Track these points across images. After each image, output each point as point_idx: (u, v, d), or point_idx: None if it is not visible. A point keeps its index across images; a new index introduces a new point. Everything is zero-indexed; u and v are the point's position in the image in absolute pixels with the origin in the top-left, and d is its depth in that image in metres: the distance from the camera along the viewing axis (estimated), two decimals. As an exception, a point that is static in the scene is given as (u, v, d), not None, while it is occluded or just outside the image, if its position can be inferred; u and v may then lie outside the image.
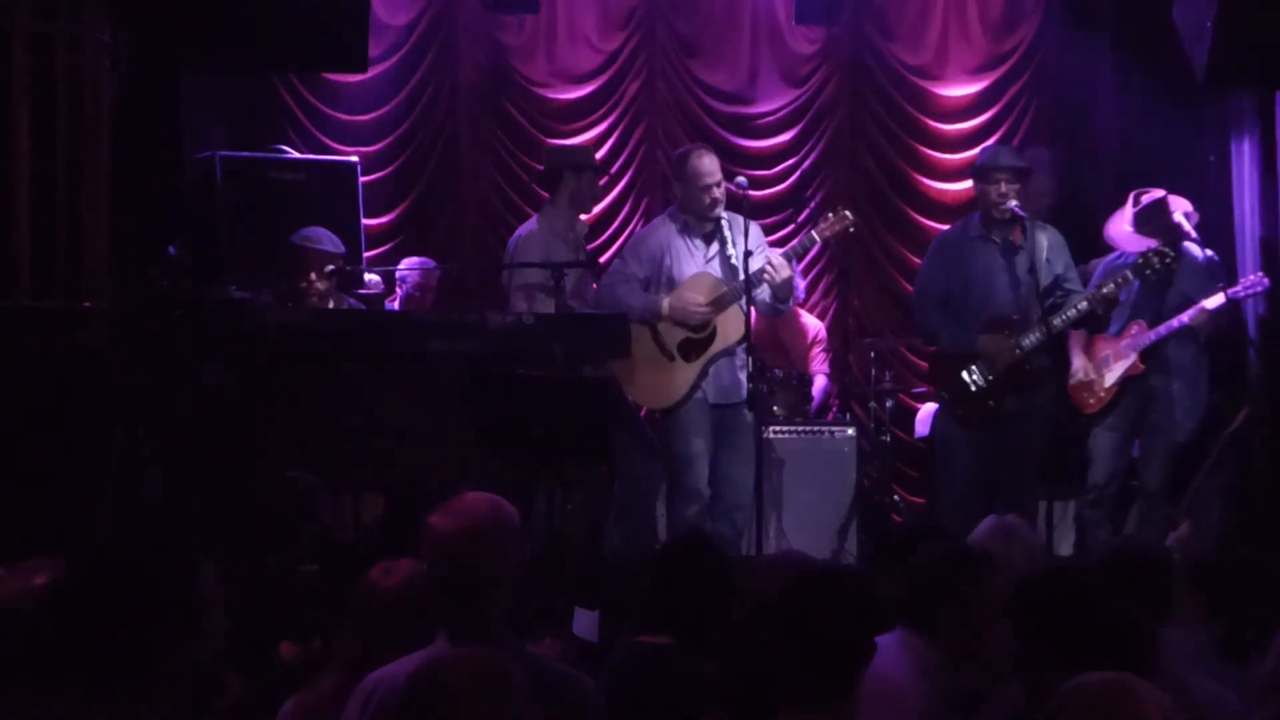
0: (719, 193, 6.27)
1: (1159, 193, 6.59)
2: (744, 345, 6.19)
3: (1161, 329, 6.48)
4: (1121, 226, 6.64)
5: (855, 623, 2.77)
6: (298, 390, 5.43)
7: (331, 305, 6.38)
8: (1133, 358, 6.52)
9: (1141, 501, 6.69)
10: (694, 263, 6.32)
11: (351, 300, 6.66)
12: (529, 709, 2.37)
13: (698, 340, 6.26)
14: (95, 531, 4.71)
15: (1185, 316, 6.43)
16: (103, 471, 4.89)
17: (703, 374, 6.26)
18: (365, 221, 7.96)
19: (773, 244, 7.14)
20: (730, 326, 6.22)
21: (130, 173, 5.31)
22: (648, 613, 3.72)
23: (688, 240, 6.35)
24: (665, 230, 6.42)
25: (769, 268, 6.16)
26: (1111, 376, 6.56)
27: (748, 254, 6.04)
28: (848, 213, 6.50)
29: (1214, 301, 6.41)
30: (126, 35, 5.06)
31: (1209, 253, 6.56)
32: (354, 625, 3.29)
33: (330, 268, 6.31)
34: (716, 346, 6.26)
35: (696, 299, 6.21)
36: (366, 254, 7.82)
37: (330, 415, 5.40)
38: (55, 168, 4.69)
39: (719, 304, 6.23)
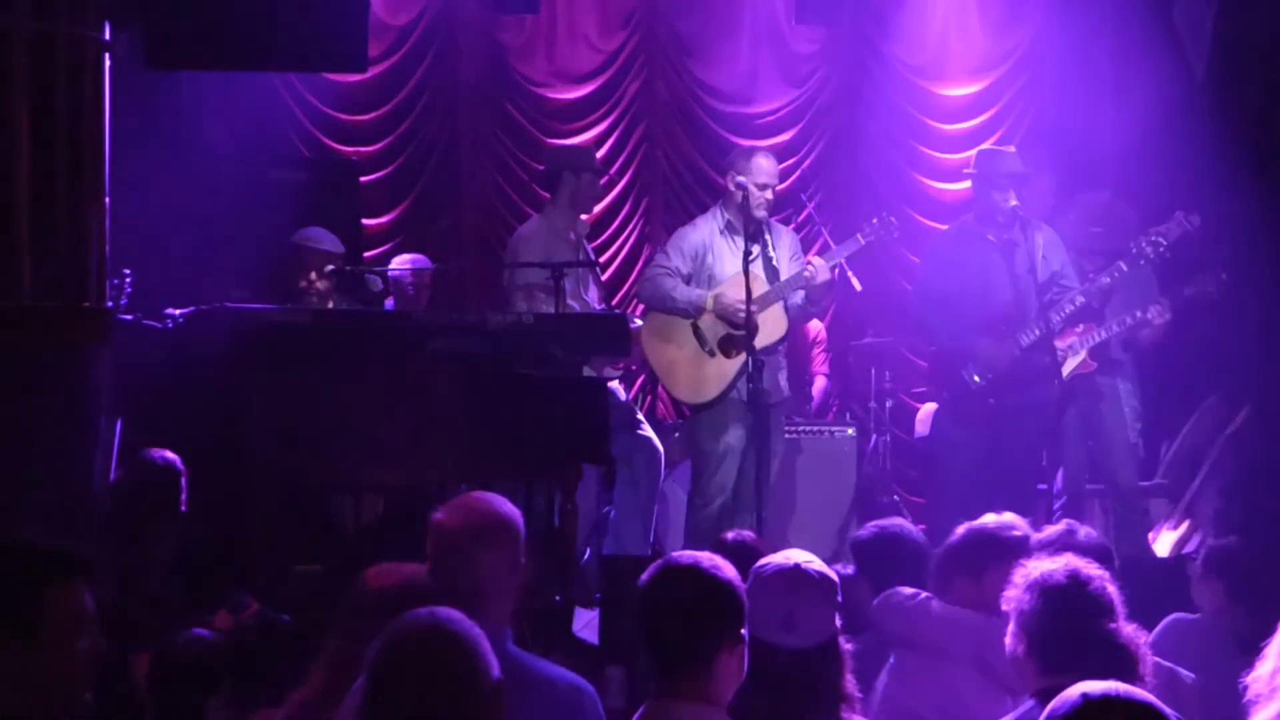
0: (771, 195, 6.30)
1: (1106, 192, 6.66)
2: (783, 345, 6.29)
3: (1114, 325, 6.47)
4: (1074, 224, 6.72)
5: (689, 613, 2.77)
6: (297, 391, 5.42)
7: (331, 305, 6.38)
8: (1082, 354, 6.52)
9: (1115, 503, 6.70)
10: (735, 261, 6.28)
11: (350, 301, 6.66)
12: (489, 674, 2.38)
13: (738, 337, 6.26)
14: (92, 531, 4.71)
15: (1149, 312, 6.41)
16: (101, 471, 4.88)
17: (741, 371, 6.25)
18: (365, 221, 7.98)
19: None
20: (770, 325, 6.21)
21: (130, 173, 5.30)
22: None
23: (730, 239, 6.35)
24: (708, 227, 6.43)
25: (809, 269, 6.18)
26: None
27: (747, 254, 6.04)
28: (893, 219, 6.50)
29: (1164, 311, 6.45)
30: (126, 35, 5.06)
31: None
32: (343, 625, 3.29)
33: (330, 268, 6.31)
34: (756, 344, 6.25)
35: (740, 298, 6.18)
36: (366, 254, 7.84)
37: (330, 415, 5.40)
38: (55, 167, 4.68)
39: (760, 303, 6.20)
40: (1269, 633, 3.60)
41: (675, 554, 2.94)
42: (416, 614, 2.41)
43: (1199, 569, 4.48)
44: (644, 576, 2.87)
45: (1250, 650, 3.75)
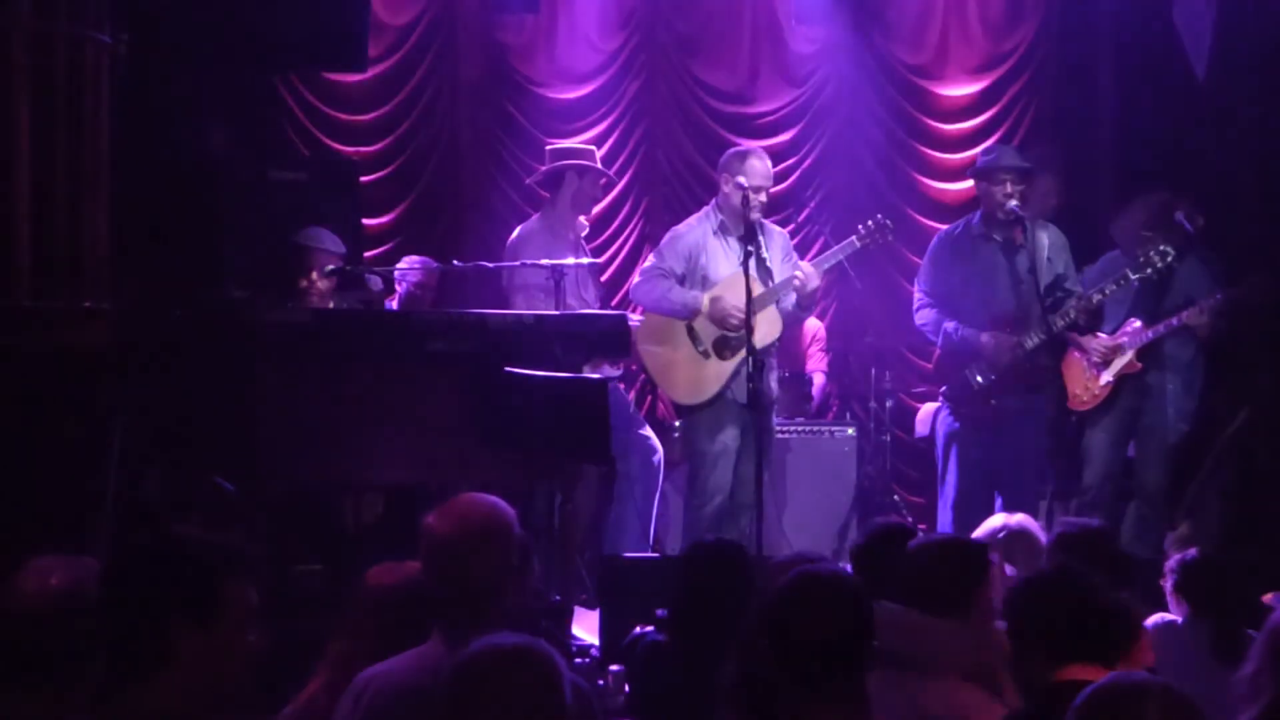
0: (765, 197, 6.29)
1: (1164, 194, 6.61)
2: (775, 347, 6.28)
3: (1160, 327, 6.47)
4: (1127, 225, 6.66)
5: (842, 626, 2.74)
6: (298, 390, 5.42)
7: (332, 305, 6.38)
8: (1129, 355, 6.52)
9: (1139, 503, 6.68)
10: (729, 263, 6.28)
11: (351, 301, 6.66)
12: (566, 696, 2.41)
13: (733, 339, 6.25)
14: (95, 532, 4.71)
15: (1185, 315, 6.43)
16: (103, 471, 4.88)
17: (736, 372, 6.24)
18: (365, 221, 7.97)
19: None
20: (765, 327, 6.20)
21: (130, 173, 5.30)
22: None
23: (724, 240, 6.34)
24: (702, 229, 6.41)
25: (799, 274, 6.17)
26: (1108, 374, 6.55)
27: (748, 254, 6.04)
28: (889, 221, 6.48)
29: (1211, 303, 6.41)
30: (126, 35, 5.06)
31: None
32: (347, 624, 3.30)
33: (330, 267, 6.31)
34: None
35: (736, 304, 6.15)
36: (366, 254, 7.83)
37: (330, 415, 5.40)
38: (55, 167, 4.69)
39: (755, 305, 6.17)
40: (1239, 640, 3.60)
41: (812, 565, 2.88)
42: (499, 640, 2.44)
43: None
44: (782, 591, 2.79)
45: (1224, 657, 3.76)
